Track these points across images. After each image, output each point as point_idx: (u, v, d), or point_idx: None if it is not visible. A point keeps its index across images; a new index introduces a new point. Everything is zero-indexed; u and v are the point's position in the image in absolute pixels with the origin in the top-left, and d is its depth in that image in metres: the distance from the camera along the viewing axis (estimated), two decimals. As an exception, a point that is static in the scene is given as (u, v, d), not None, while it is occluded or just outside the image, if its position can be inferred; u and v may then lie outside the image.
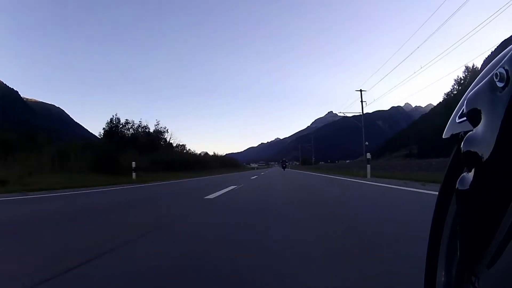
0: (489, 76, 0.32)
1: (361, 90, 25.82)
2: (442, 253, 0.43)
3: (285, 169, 33.83)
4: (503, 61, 0.31)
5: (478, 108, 0.33)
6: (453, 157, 0.42)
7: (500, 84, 0.30)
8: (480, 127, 0.32)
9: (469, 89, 0.37)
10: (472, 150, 0.32)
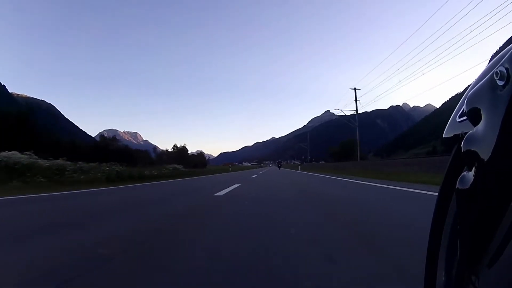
0: (489, 74, 0.32)
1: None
2: (442, 253, 0.42)
3: (280, 168, 39.64)
4: (503, 59, 0.31)
5: (479, 107, 0.33)
6: (453, 156, 0.41)
7: (500, 83, 0.30)
8: (480, 126, 0.32)
9: (469, 87, 0.36)
10: (472, 149, 0.32)
